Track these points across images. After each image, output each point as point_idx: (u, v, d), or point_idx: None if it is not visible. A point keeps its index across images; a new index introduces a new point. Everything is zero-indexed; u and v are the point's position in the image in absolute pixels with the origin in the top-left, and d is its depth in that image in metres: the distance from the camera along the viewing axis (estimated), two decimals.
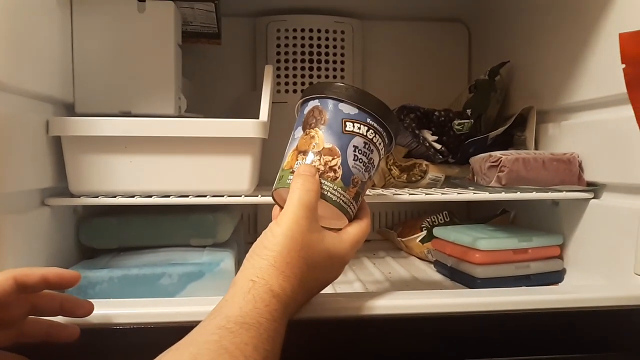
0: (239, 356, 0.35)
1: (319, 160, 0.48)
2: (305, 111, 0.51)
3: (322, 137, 0.49)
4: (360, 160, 0.49)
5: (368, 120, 0.50)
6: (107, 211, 0.72)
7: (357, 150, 0.49)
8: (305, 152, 0.49)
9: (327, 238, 0.47)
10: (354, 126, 0.49)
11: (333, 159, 0.49)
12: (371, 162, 0.50)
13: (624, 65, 0.52)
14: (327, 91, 0.50)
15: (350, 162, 0.49)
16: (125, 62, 0.70)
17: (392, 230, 1.02)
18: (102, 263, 0.66)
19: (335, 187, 0.48)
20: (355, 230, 0.50)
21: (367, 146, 0.50)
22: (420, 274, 0.81)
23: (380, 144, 0.51)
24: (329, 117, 0.50)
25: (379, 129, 0.50)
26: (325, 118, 0.50)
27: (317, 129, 0.50)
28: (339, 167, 0.49)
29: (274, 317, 0.39)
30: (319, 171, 0.48)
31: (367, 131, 0.50)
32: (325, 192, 0.48)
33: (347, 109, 0.50)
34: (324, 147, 0.49)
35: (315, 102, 0.51)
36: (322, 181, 0.48)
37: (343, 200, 0.49)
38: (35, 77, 0.61)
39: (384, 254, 0.95)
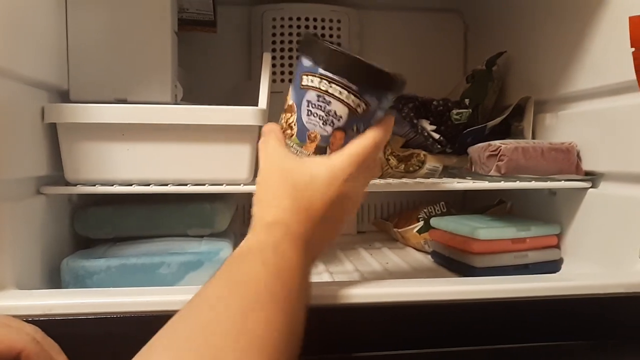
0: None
1: (283, 117, 0.50)
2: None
3: (289, 95, 0.50)
4: (315, 115, 0.48)
5: (319, 71, 0.47)
6: (103, 200, 0.71)
7: (310, 104, 0.48)
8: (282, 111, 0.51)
9: (308, 161, 0.47)
10: (307, 79, 0.48)
11: (291, 116, 0.49)
12: (331, 113, 0.47)
13: (633, 49, 0.52)
14: (299, 45, 0.50)
15: (304, 118, 0.48)
16: (121, 48, 0.68)
17: (388, 221, 1.01)
18: (99, 253, 0.65)
19: (291, 144, 0.49)
20: (351, 147, 0.47)
21: (321, 98, 0.47)
22: (417, 264, 0.81)
23: (342, 92, 0.47)
24: (295, 73, 0.49)
25: (335, 78, 0.47)
26: (295, 74, 0.50)
27: (290, 86, 0.50)
28: (294, 124, 0.48)
29: (278, 240, 0.42)
30: (282, 128, 0.49)
31: (320, 82, 0.47)
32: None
33: (306, 62, 0.48)
34: (287, 105, 0.49)
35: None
36: (286, 140, 0.49)
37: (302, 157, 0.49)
38: (31, 62, 0.60)
39: (380, 245, 0.95)
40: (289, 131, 0.49)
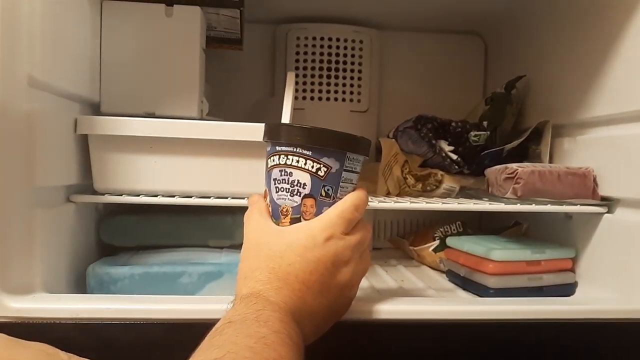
0: None
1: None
2: None
3: (264, 181, 0.52)
4: (282, 189, 0.50)
5: (277, 148, 0.50)
6: (127, 210, 0.73)
7: (276, 182, 0.50)
8: None
9: (286, 230, 0.49)
10: (270, 161, 0.51)
11: (265, 199, 0.52)
12: (295, 183, 0.49)
13: None
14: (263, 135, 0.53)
15: (274, 196, 0.50)
16: (151, 64, 0.71)
17: (404, 238, 1.02)
18: (123, 260, 0.67)
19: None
20: (329, 210, 0.49)
21: (283, 172, 0.50)
22: (432, 282, 0.82)
23: (299, 161, 0.49)
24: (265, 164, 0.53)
25: (290, 149, 0.49)
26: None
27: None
28: (269, 206, 0.51)
29: (258, 309, 0.41)
30: None
31: (279, 159, 0.50)
32: None
33: (268, 147, 0.52)
34: (264, 191, 0.52)
35: None
36: None
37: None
38: (66, 76, 0.63)
39: (396, 262, 0.96)
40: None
